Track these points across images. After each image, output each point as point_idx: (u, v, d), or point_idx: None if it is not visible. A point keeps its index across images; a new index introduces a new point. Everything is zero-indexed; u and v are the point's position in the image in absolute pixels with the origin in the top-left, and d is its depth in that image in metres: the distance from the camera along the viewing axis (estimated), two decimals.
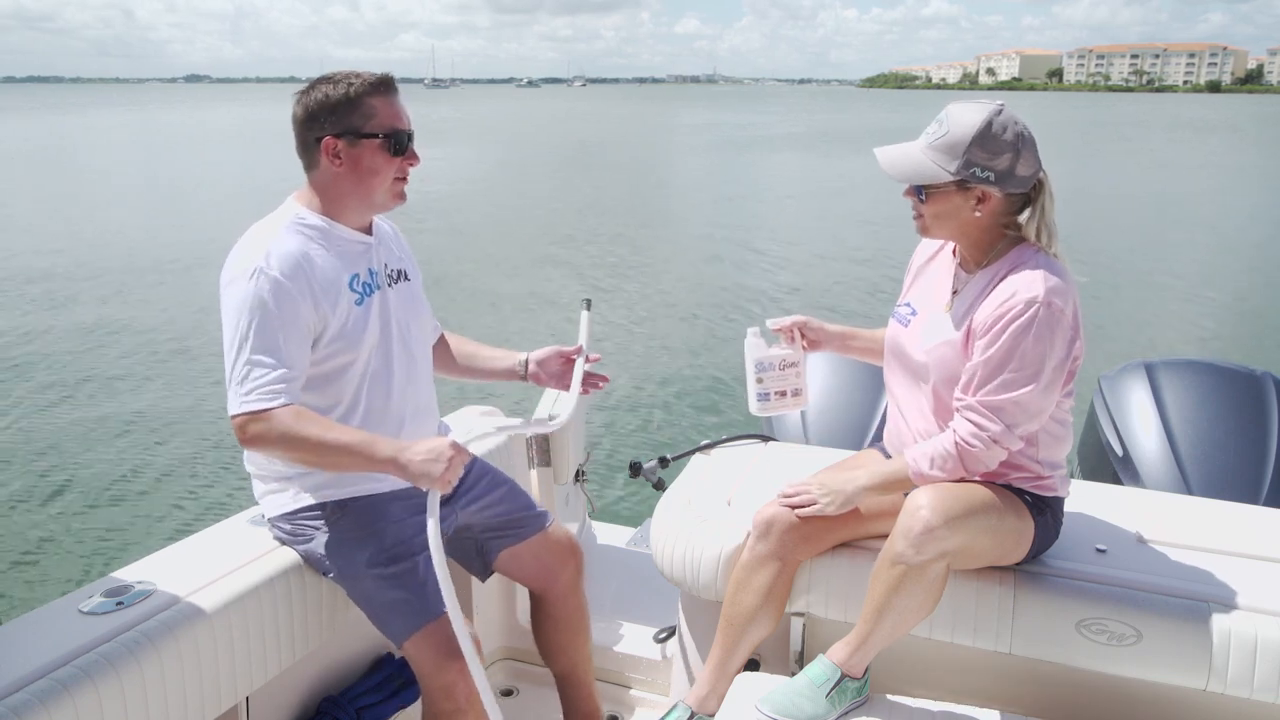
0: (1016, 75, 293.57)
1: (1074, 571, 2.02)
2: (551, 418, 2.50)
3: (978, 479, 1.96)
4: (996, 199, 1.93)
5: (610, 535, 3.46)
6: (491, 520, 2.25)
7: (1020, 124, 1.90)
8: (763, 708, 1.94)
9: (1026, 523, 1.98)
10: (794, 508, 2.10)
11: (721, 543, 2.20)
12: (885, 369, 2.22)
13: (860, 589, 2.00)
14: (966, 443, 1.90)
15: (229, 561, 1.99)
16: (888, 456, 2.20)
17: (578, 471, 3.04)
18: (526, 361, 2.33)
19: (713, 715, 2.12)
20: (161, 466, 6.79)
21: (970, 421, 1.91)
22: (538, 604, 2.34)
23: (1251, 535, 2.19)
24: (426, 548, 2.01)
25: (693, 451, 2.68)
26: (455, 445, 1.84)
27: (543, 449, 2.92)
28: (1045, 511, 2.01)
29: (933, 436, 2.01)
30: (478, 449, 2.51)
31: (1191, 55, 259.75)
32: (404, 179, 2.02)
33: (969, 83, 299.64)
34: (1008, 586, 2.00)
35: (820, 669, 1.98)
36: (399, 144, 1.97)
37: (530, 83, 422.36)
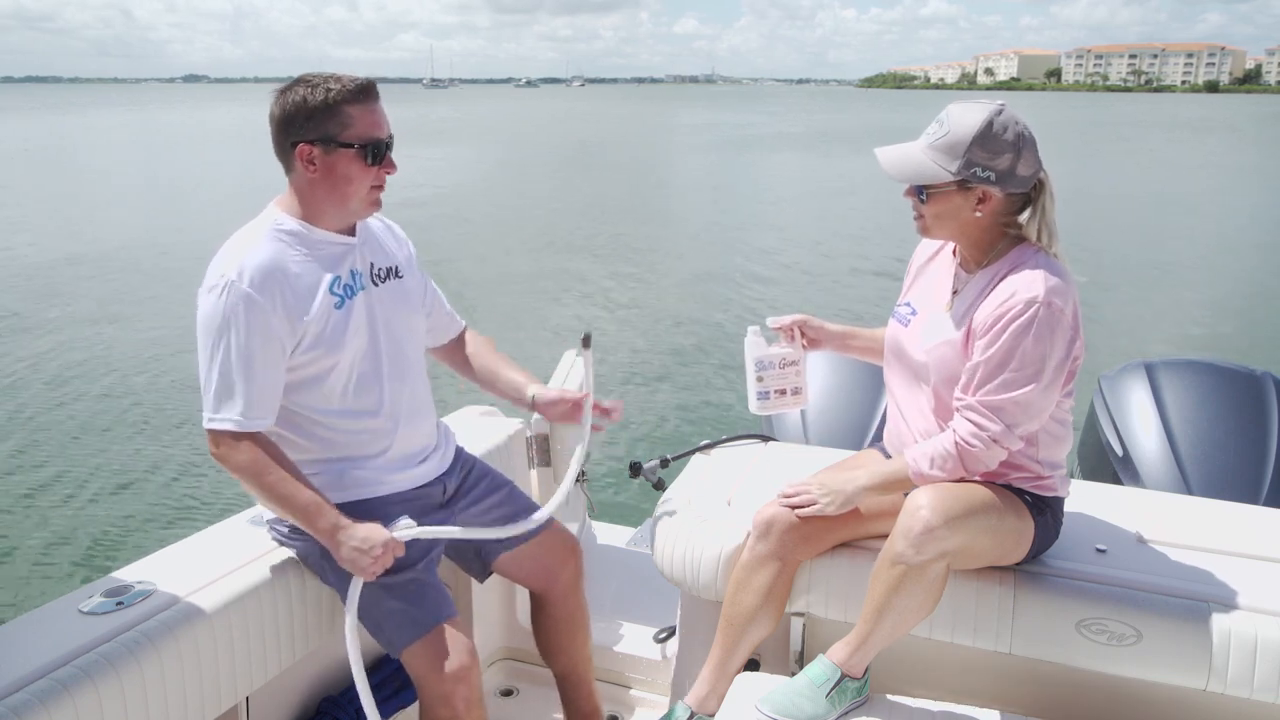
0: (1015, 75, 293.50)
1: (1074, 571, 2.02)
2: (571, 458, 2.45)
3: (978, 479, 1.96)
4: (997, 199, 1.93)
5: (610, 535, 3.46)
6: (491, 523, 2.24)
7: (1021, 124, 1.90)
8: (763, 708, 1.94)
9: (1026, 523, 1.98)
10: (794, 508, 2.10)
11: (721, 543, 2.20)
12: (885, 368, 2.22)
13: (860, 589, 2.00)
14: (966, 442, 1.90)
15: (229, 561, 1.99)
16: (888, 456, 2.20)
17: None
18: (534, 398, 2.27)
19: (713, 715, 2.12)
20: (162, 466, 6.79)
21: (970, 421, 1.91)
22: (538, 604, 2.34)
23: (1251, 535, 2.19)
24: (424, 556, 2.03)
25: (693, 451, 2.68)
26: (389, 542, 1.88)
27: (543, 449, 2.92)
28: (1045, 511, 2.01)
29: (933, 436, 2.01)
30: (477, 450, 2.51)
31: (1190, 55, 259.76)
32: (380, 187, 1.99)
33: (967, 83, 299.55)
34: (1008, 586, 2.00)
35: (820, 669, 1.98)
36: (376, 153, 1.93)
37: (529, 83, 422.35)
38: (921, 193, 1.96)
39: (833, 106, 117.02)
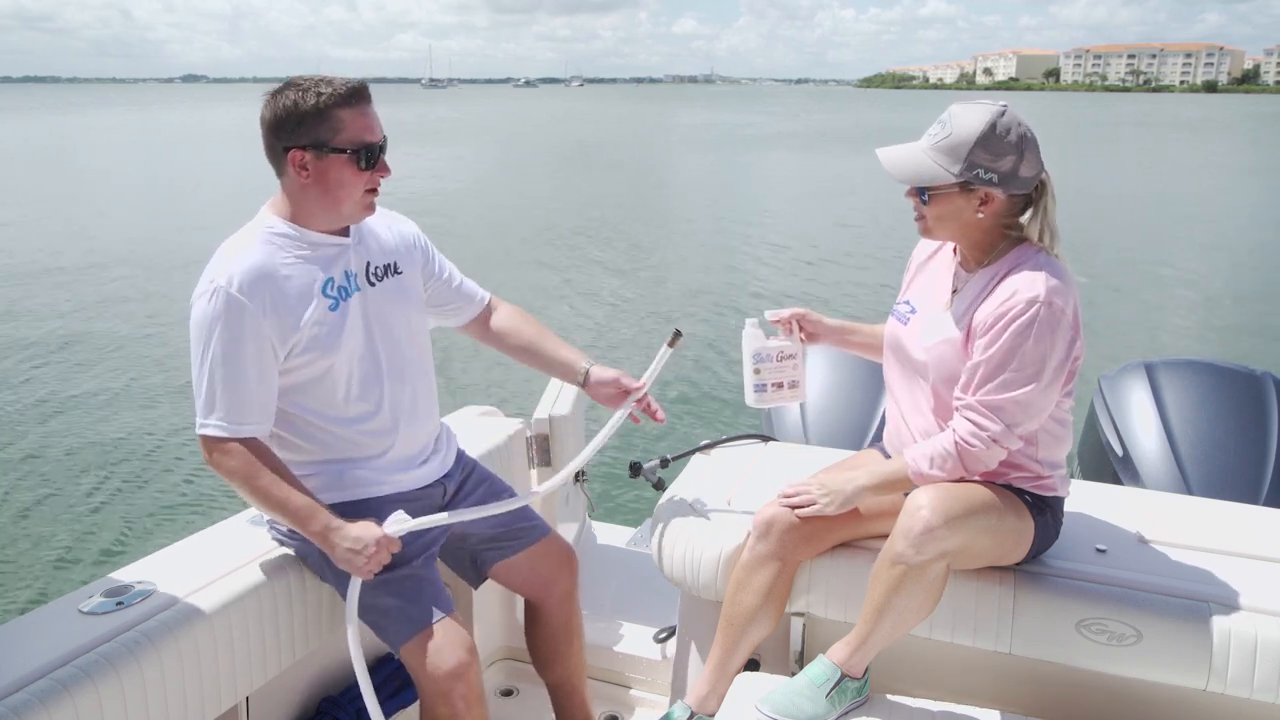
0: (1014, 75, 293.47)
1: (1074, 571, 2.02)
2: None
3: (977, 479, 1.96)
4: (999, 200, 1.92)
5: (610, 535, 3.46)
6: (488, 531, 2.23)
7: (1024, 125, 1.90)
8: (763, 708, 1.94)
9: (1026, 523, 1.98)
10: (794, 508, 2.10)
11: (721, 543, 2.20)
12: (885, 366, 2.21)
13: (860, 589, 2.00)
14: (966, 442, 1.90)
15: (229, 561, 1.99)
16: (888, 456, 2.20)
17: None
18: (587, 373, 2.25)
19: (713, 715, 2.11)
20: (162, 466, 6.79)
21: (970, 421, 1.91)
22: (533, 613, 2.33)
23: (1251, 535, 2.19)
24: (423, 553, 2.02)
25: (693, 451, 2.68)
26: (383, 540, 1.88)
27: (543, 449, 2.92)
28: (1045, 511, 2.01)
29: (932, 435, 2.01)
30: (477, 450, 2.51)
31: (1188, 55, 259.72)
32: (374, 191, 1.97)
33: (966, 83, 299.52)
34: (1008, 586, 2.00)
35: (820, 669, 1.98)
36: (369, 158, 1.91)
37: (528, 83, 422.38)
38: (923, 194, 1.96)
39: (831, 106, 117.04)
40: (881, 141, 2.05)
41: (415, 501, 2.07)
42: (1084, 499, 2.32)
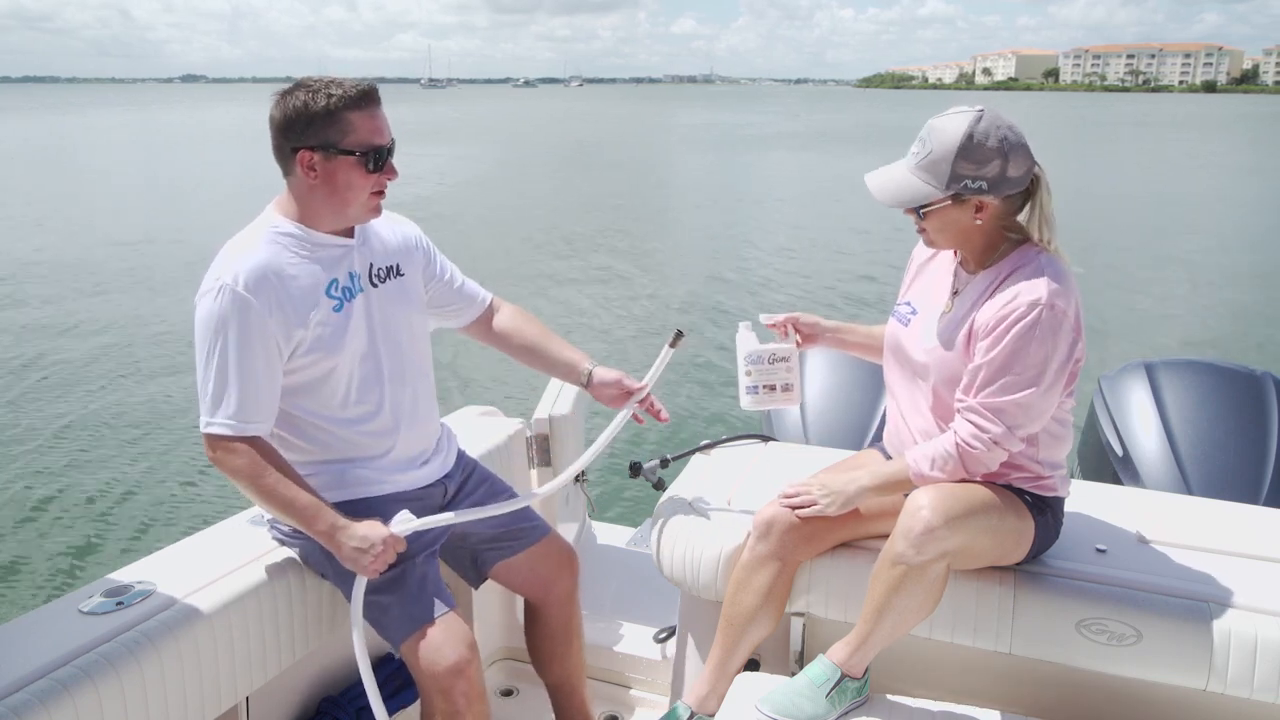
0: (1013, 75, 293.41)
1: (1074, 571, 2.02)
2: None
3: (978, 479, 1.96)
4: (994, 205, 1.92)
5: (610, 535, 3.46)
6: (488, 531, 2.23)
7: (1004, 127, 1.87)
8: (763, 708, 1.94)
9: (1026, 523, 1.98)
10: (794, 508, 2.10)
11: (721, 543, 2.20)
12: (885, 367, 2.21)
13: (860, 589, 2.00)
14: (967, 444, 1.90)
15: (229, 561, 1.99)
16: (888, 457, 2.20)
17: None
18: (590, 374, 2.25)
19: (713, 715, 2.12)
20: (162, 466, 6.79)
21: (971, 423, 1.91)
22: (533, 614, 2.33)
23: (1251, 535, 2.19)
24: (424, 550, 2.02)
25: (693, 451, 2.68)
26: (389, 539, 1.88)
27: (543, 449, 2.92)
28: (1045, 511, 2.01)
29: (933, 436, 2.01)
30: (477, 450, 2.51)
31: (1187, 55, 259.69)
32: (381, 193, 1.97)
33: (965, 83, 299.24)
34: (1008, 586, 2.00)
35: (820, 669, 1.98)
36: (377, 160, 1.92)
37: (527, 83, 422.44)
38: (919, 211, 1.96)
39: (831, 106, 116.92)
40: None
41: (416, 501, 2.07)
42: (1084, 499, 2.32)
